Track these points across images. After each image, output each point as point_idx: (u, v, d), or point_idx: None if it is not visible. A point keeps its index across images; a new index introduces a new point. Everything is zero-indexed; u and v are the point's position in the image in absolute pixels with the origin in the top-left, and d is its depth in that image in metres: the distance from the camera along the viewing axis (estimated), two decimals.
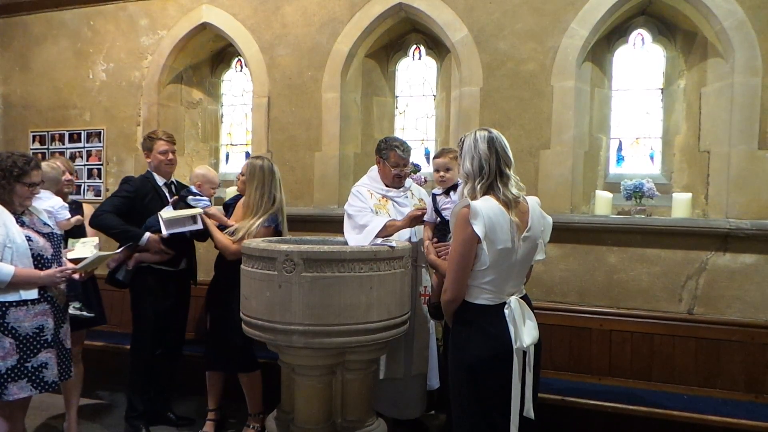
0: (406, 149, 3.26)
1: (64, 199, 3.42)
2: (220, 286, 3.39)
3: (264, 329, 2.71)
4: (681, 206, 3.64)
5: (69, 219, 3.31)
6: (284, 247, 2.65)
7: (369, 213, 3.12)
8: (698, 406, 3.18)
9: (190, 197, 3.47)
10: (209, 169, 3.78)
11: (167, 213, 3.35)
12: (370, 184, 3.34)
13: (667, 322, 3.57)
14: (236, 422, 3.64)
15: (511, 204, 2.15)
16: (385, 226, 2.99)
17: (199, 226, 3.35)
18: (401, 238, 3.13)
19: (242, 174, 3.41)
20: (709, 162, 3.70)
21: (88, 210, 3.64)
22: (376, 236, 2.95)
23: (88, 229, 3.49)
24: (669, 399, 3.29)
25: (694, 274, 3.61)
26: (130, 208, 3.43)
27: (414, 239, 3.23)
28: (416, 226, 3.20)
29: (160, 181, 3.61)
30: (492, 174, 2.15)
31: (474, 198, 2.16)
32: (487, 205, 2.11)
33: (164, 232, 3.30)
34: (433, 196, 3.03)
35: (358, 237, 3.00)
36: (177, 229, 3.32)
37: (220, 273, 3.43)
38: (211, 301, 3.51)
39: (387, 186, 3.31)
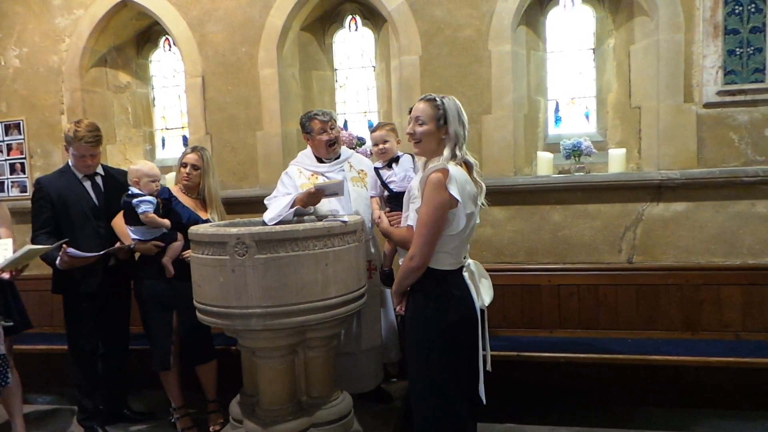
0: (325, 113, 3.21)
1: None
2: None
3: (220, 315, 2.64)
4: (616, 162, 3.81)
5: None
6: (234, 230, 2.58)
7: (280, 199, 3.07)
8: (642, 348, 3.39)
9: (135, 200, 3.15)
10: (144, 162, 3.43)
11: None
12: (302, 161, 3.30)
13: (610, 272, 3.77)
14: (196, 411, 3.58)
15: (472, 168, 2.23)
16: (294, 201, 2.92)
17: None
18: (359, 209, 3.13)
19: (194, 168, 3.35)
20: (640, 117, 3.88)
21: (1, 210, 3.40)
22: (291, 208, 2.90)
23: (2, 230, 3.28)
24: (615, 344, 3.49)
25: (632, 225, 3.81)
26: (55, 215, 3.21)
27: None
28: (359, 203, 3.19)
29: (79, 174, 3.32)
30: (463, 140, 2.25)
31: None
32: (458, 171, 2.15)
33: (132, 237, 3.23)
34: (376, 170, 3.02)
35: (267, 213, 2.94)
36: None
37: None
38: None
39: (320, 162, 3.27)
